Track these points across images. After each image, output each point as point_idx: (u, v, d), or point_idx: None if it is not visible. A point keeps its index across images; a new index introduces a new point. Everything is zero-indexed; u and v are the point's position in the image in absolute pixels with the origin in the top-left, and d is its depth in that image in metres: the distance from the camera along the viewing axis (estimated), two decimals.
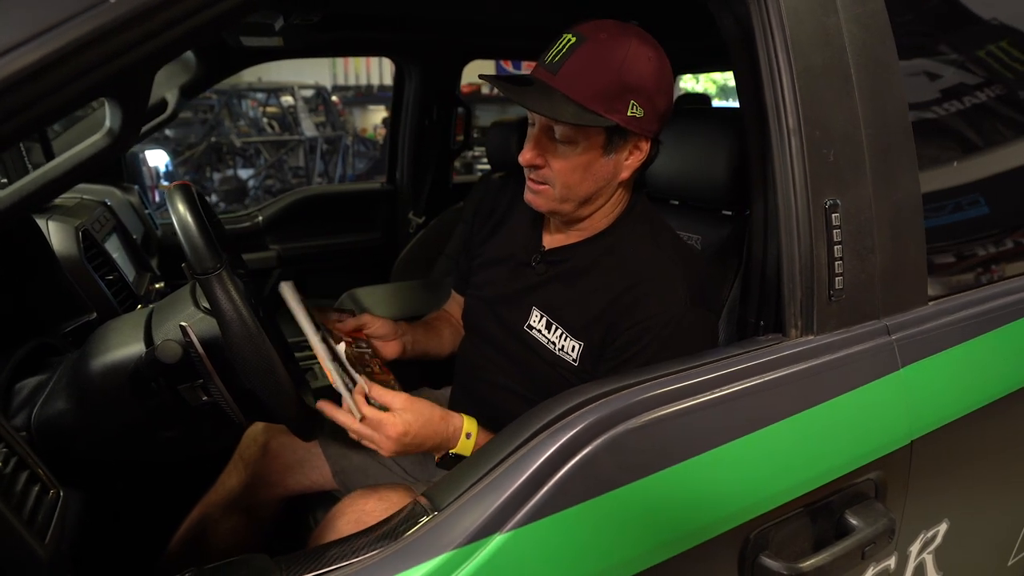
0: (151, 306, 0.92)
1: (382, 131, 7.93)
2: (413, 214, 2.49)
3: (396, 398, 0.83)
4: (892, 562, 0.88)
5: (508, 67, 7.36)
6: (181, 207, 0.79)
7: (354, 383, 0.86)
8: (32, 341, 0.91)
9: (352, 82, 9.05)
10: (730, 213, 1.28)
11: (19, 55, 0.45)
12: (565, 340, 0.94)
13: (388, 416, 0.81)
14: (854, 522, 0.77)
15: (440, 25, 2.10)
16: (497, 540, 0.56)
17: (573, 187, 0.90)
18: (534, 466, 0.59)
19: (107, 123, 0.60)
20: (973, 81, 1.07)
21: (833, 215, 0.82)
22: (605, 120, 0.85)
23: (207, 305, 0.86)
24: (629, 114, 0.86)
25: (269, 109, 7.25)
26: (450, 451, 0.86)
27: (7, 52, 0.44)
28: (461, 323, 1.16)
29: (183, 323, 0.78)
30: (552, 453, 0.60)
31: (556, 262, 0.99)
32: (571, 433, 0.62)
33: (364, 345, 1.05)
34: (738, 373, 0.75)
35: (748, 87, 0.87)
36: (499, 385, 1.02)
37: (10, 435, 0.61)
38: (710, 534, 0.68)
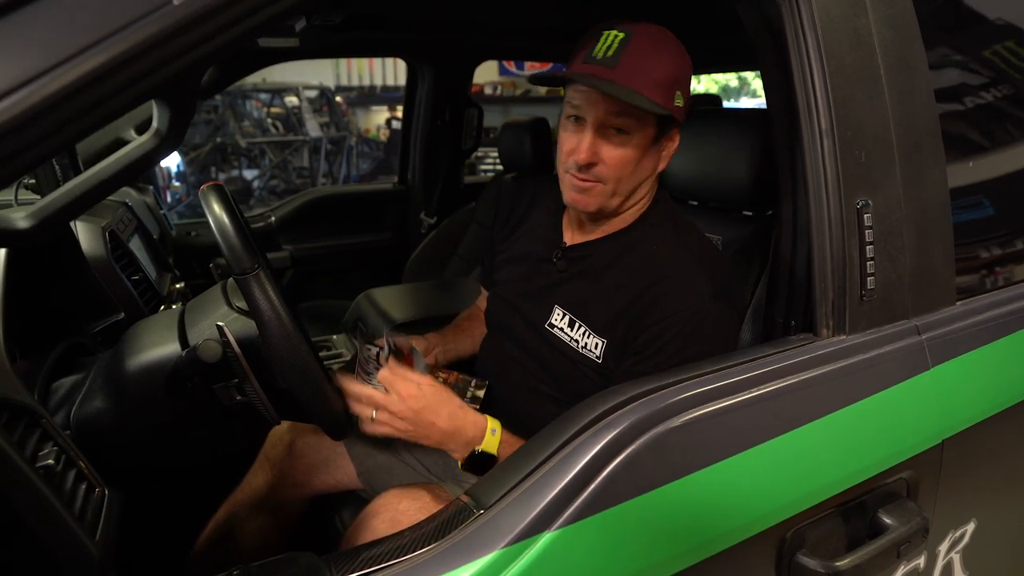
0: (178, 307, 0.93)
1: (385, 132, 7.93)
2: (425, 214, 2.50)
3: (418, 375, 0.86)
4: (922, 561, 0.89)
5: (511, 67, 7.37)
6: (217, 207, 0.79)
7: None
8: (65, 341, 0.91)
9: (355, 83, 9.05)
10: (751, 214, 1.29)
11: (85, 59, 0.45)
12: (588, 337, 0.94)
13: (403, 381, 0.83)
14: (888, 521, 0.77)
15: (453, 26, 2.10)
16: (546, 538, 0.56)
17: (625, 180, 0.91)
18: (580, 464, 0.60)
19: (154, 124, 0.61)
20: (994, 78, 1.08)
21: (865, 215, 0.82)
22: (663, 108, 0.87)
23: (240, 305, 0.86)
24: (676, 104, 0.89)
25: (273, 110, 7.25)
26: (476, 448, 0.85)
27: (72, 57, 0.44)
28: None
29: (219, 323, 0.79)
30: (598, 451, 0.60)
31: (577, 258, 1.00)
32: (615, 432, 0.62)
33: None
34: (773, 373, 0.75)
35: (777, 88, 0.88)
36: (522, 382, 1.03)
37: (58, 433, 0.62)
38: (748, 533, 0.69)
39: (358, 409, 0.85)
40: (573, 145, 0.90)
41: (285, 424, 1.16)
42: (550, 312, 0.99)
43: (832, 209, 0.81)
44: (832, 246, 0.82)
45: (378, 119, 8.56)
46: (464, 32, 2.15)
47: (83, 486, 0.62)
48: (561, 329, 0.97)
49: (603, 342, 0.92)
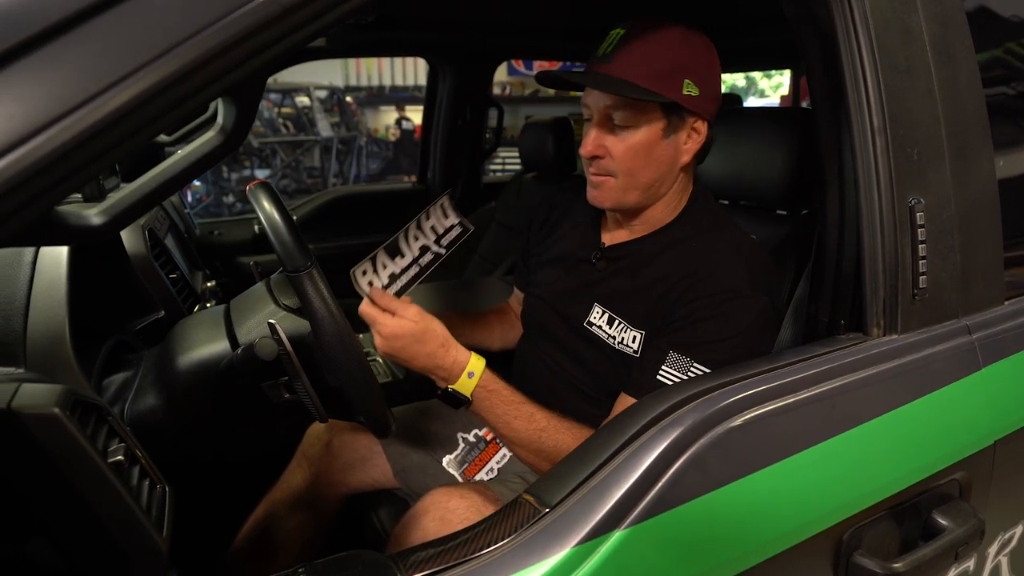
0: (211, 304, 0.93)
1: (394, 132, 7.95)
2: None
3: (408, 309, 0.85)
4: (971, 564, 0.88)
5: (520, 67, 7.38)
6: (267, 205, 0.80)
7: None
8: (112, 338, 0.92)
9: (364, 83, 9.07)
10: (784, 212, 1.28)
11: (172, 57, 0.45)
12: (625, 332, 0.94)
13: (386, 316, 0.83)
14: (944, 522, 0.76)
15: (476, 26, 2.10)
16: (616, 536, 0.56)
17: (635, 173, 0.90)
18: (647, 462, 0.59)
19: (219, 121, 0.61)
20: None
21: (918, 214, 0.82)
22: (662, 97, 0.86)
23: (288, 302, 0.87)
24: (685, 92, 0.87)
25: (284, 110, 7.28)
26: (449, 386, 0.85)
27: (160, 56, 0.45)
28: (519, 319, 1.17)
29: (272, 321, 0.79)
30: (664, 449, 0.60)
31: (617, 258, 0.99)
32: (679, 430, 0.62)
33: None
34: (827, 372, 0.75)
35: (825, 86, 0.87)
36: (559, 381, 1.02)
37: (123, 429, 0.62)
38: (808, 533, 0.68)
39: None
40: (583, 139, 0.92)
41: (322, 423, 1.16)
42: (589, 311, 0.99)
43: (884, 207, 0.81)
44: (884, 245, 0.81)
45: (387, 119, 8.58)
46: (486, 32, 2.16)
47: (146, 483, 0.63)
48: (599, 327, 0.97)
49: (641, 334, 0.92)
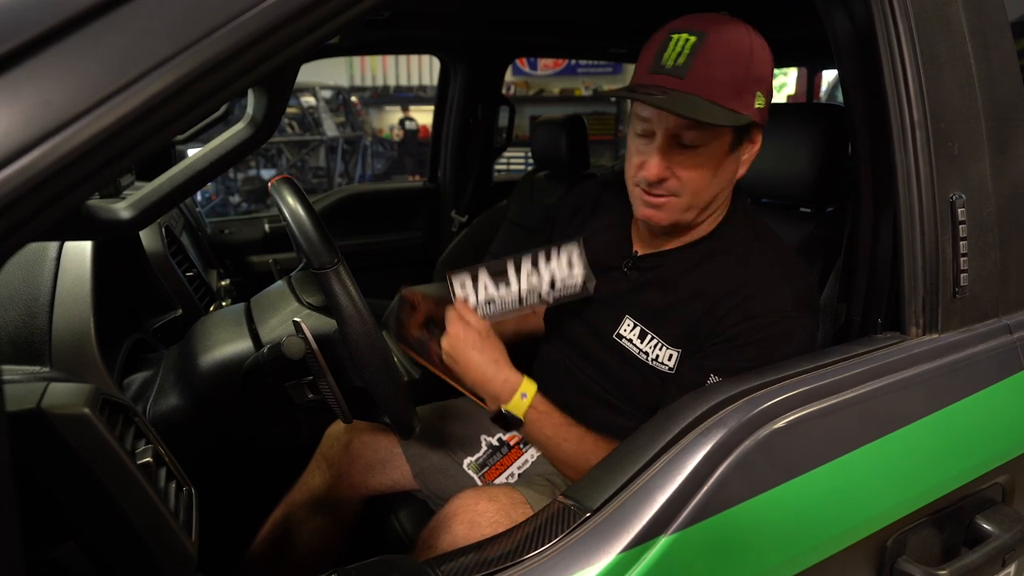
0: (228, 303, 0.91)
1: (399, 132, 7.95)
2: (456, 213, 2.48)
3: (480, 321, 0.88)
4: (1012, 570, 0.85)
5: (524, 66, 7.36)
6: (292, 200, 0.78)
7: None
8: (131, 337, 0.90)
9: (369, 83, 9.07)
10: (808, 210, 1.26)
11: (206, 45, 0.43)
12: (660, 349, 0.90)
13: (455, 321, 0.87)
14: (989, 528, 0.74)
15: (488, 23, 2.09)
16: (663, 542, 0.54)
17: (701, 193, 0.85)
18: (692, 465, 0.57)
19: (250, 112, 0.59)
20: None
21: (959, 210, 0.79)
22: (743, 117, 0.80)
23: (311, 300, 0.85)
24: (756, 106, 0.82)
25: (289, 109, 7.27)
26: (502, 407, 0.86)
27: (197, 42, 0.43)
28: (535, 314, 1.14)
29: (296, 319, 0.77)
30: (709, 451, 0.58)
31: (650, 268, 0.95)
32: (724, 432, 0.60)
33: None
34: (868, 373, 0.73)
35: (860, 81, 0.85)
36: (583, 390, 0.99)
37: (150, 430, 0.60)
38: (853, 538, 0.66)
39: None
40: (642, 160, 0.84)
41: (341, 424, 1.14)
42: (619, 323, 0.95)
43: (925, 204, 0.79)
44: (924, 242, 0.79)
45: (391, 119, 8.57)
46: (499, 29, 2.14)
47: (173, 484, 0.61)
48: (630, 340, 0.93)
49: (678, 352, 0.89)
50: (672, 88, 0.79)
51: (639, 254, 0.97)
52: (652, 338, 0.91)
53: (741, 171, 0.89)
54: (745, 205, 0.96)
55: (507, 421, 0.86)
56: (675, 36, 0.82)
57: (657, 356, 0.90)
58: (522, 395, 0.85)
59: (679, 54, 0.80)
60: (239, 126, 0.59)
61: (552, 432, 0.86)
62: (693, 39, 0.80)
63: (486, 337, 0.87)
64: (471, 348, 0.85)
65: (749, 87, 0.81)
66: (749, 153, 0.88)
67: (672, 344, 0.89)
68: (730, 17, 0.85)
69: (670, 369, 0.89)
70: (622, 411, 0.95)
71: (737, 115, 0.80)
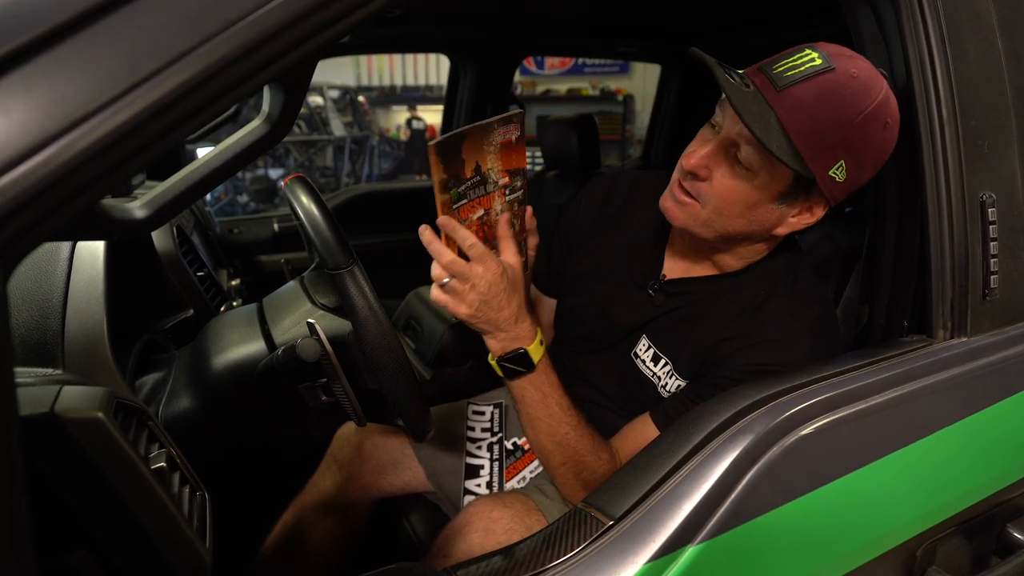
0: (238, 303, 0.90)
1: (406, 132, 7.96)
2: None
3: (495, 257, 0.75)
4: None
5: (531, 66, 7.34)
6: (306, 200, 0.77)
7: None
8: (143, 338, 0.89)
9: (376, 83, 9.08)
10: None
11: (225, 38, 0.42)
12: (671, 378, 0.87)
13: (493, 260, 0.74)
14: (1020, 537, 0.72)
15: (499, 21, 2.07)
16: (690, 552, 0.52)
17: (724, 217, 0.78)
18: (719, 472, 0.56)
19: (266, 108, 0.58)
20: None
21: (989, 210, 0.77)
22: (804, 168, 0.71)
23: (325, 301, 0.84)
24: (830, 173, 0.72)
25: None
26: (522, 347, 0.76)
27: (211, 38, 0.41)
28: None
29: (311, 320, 0.76)
30: (737, 457, 0.56)
31: (676, 294, 0.90)
32: (751, 438, 0.58)
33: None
34: (896, 377, 0.71)
35: (886, 75, 0.83)
36: (586, 397, 0.96)
37: (163, 434, 0.59)
38: (883, 547, 0.64)
39: (435, 271, 0.77)
40: (695, 148, 0.79)
41: (351, 425, 1.13)
42: (636, 343, 0.92)
43: (954, 204, 0.77)
44: (953, 243, 0.77)
45: (398, 119, 8.58)
46: (510, 28, 2.12)
47: (186, 489, 0.60)
48: (643, 361, 0.91)
49: (685, 383, 0.86)
50: (762, 93, 0.72)
51: (667, 278, 0.92)
52: (666, 364, 0.88)
53: (782, 230, 0.80)
54: (793, 257, 0.88)
55: (519, 364, 0.77)
56: (807, 51, 0.74)
57: (667, 384, 0.88)
58: (541, 341, 0.79)
59: (794, 67, 0.72)
60: (254, 124, 0.57)
61: (549, 390, 0.80)
62: (819, 62, 0.71)
63: (518, 277, 0.77)
64: (506, 297, 0.75)
65: (834, 149, 0.71)
66: (800, 219, 0.79)
67: (682, 375, 0.87)
68: (883, 79, 0.75)
69: (669, 393, 0.87)
70: (621, 415, 0.93)
71: (800, 160, 0.70)
